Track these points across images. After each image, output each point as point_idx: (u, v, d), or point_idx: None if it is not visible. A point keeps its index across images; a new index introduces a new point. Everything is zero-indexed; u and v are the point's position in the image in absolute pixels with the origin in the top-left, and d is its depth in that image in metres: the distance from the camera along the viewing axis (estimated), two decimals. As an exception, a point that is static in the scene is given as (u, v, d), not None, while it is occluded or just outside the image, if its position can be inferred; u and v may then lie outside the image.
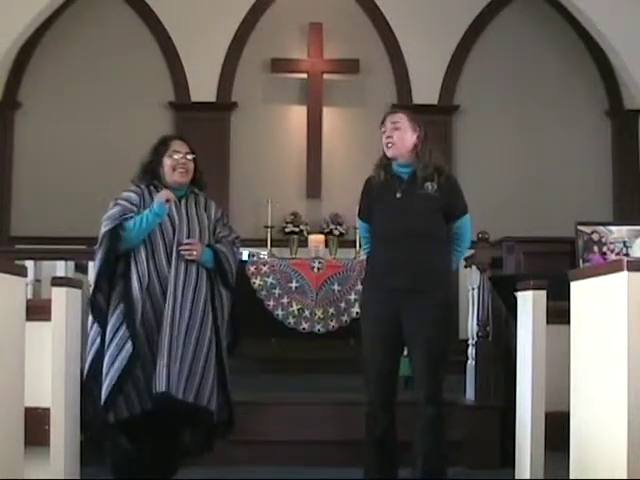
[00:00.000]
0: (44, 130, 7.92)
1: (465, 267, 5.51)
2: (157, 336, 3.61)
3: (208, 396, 3.64)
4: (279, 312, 5.19)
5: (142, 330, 3.63)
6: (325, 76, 7.97)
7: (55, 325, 3.77)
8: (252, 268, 5.23)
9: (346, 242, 7.38)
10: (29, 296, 4.47)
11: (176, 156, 3.84)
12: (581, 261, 4.92)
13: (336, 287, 5.17)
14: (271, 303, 5.20)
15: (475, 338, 4.99)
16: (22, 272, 3.19)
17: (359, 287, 4.33)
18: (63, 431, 3.72)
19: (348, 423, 4.59)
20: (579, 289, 3.19)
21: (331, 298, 5.18)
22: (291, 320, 5.19)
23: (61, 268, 4.94)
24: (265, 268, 5.24)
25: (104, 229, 3.72)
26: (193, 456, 3.90)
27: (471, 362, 5.03)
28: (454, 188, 3.80)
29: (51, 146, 7.90)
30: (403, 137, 3.75)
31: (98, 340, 3.70)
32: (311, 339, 5.28)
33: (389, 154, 3.78)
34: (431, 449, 3.65)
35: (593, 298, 3.05)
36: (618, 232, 4.99)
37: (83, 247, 5.24)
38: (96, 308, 3.70)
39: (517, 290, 3.94)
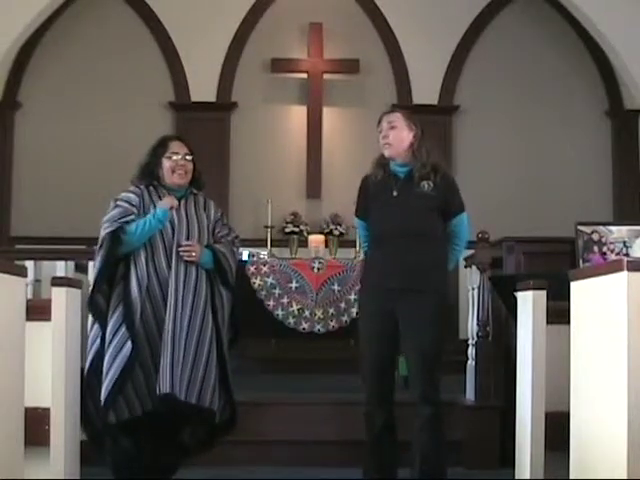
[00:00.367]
0: (44, 130, 7.92)
1: (465, 267, 5.51)
2: (157, 337, 3.62)
3: (210, 397, 3.64)
4: (279, 312, 5.19)
5: (142, 331, 3.63)
6: (325, 76, 7.97)
7: (55, 325, 3.77)
8: (252, 268, 5.23)
9: (346, 242, 7.38)
10: (29, 296, 4.46)
11: (175, 157, 3.84)
12: (581, 261, 4.91)
13: (336, 287, 5.17)
14: (271, 303, 5.20)
15: (475, 338, 4.99)
16: (22, 272, 3.19)
17: (359, 287, 4.33)
18: (63, 431, 3.72)
19: (348, 423, 4.59)
20: (579, 289, 3.18)
21: (331, 298, 5.18)
22: (291, 320, 5.19)
23: (61, 268, 4.94)
24: (265, 268, 5.24)
25: (105, 231, 3.71)
26: (194, 455, 3.90)
27: (471, 362, 5.03)
28: (450, 186, 3.80)
29: (51, 146, 7.90)
30: (399, 136, 3.76)
31: (98, 340, 3.71)
32: (311, 339, 5.27)
33: (386, 154, 3.79)
34: (429, 449, 3.66)
35: (593, 298, 3.05)
36: (618, 232, 4.99)
37: (83, 247, 5.25)
38: (95, 309, 3.71)
39: (517, 290, 3.94)
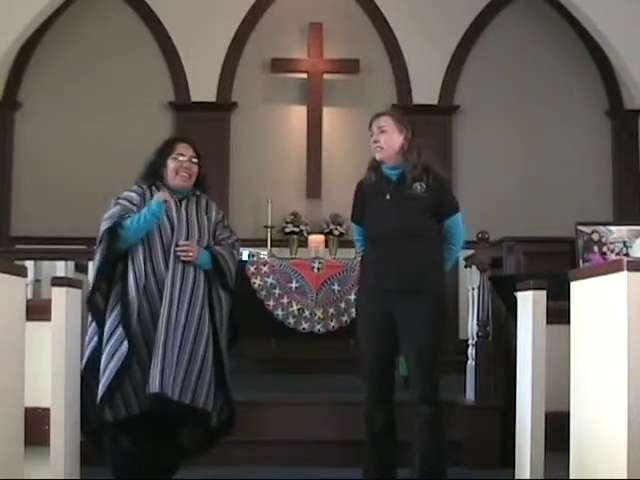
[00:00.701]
0: (44, 130, 7.93)
1: (465, 267, 5.51)
2: (155, 337, 3.62)
3: (204, 398, 3.63)
4: (279, 312, 5.19)
5: (139, 331, 3.64)
6: (325, 76, 7.97)
7: (55, 325, 3.77)
8: (252, 268, 5.23)
9: (346, 242, 7.38)
10: (29, 296, 4.47)
11: (181, 159, 3.85)
12: (581, 261, 4.91)
13: (336, 287, 5.17)
14: (271, 303, 5.20)
15: (475, 338, 4.99)
16: (22, 272, 3.19)
17: (357, 289, 4.33)
18: (63, 431, 3.72)
19: (348, 423, 4.59)
20: (579, 289, 3.18)
21: (331, 298, 5.18)
22: (291, 320, 5.19)
23: (61, 268, 4.94)
24: (265, 268, 5.24)
25: (103, 227, 3.73)
26: (192, 456, 3.90)
27: (471, 362, 5.03)
28: (443, 187, 3.81)
29: (51, 146, 7.90)
30: (390, 139, 3.78)
31: (95, 339, 3.73)
32: (311, 339, 5.27)
33: (378, 157, 3.81)
34: (429, 449, 3.66)
35: (593, 298, 3.05)
36: (618, 232, 4.99)
37: (83, 247, 5.24)
38: (94, 307, 3.72)
39: (517, 290, 3.94)
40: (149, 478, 3.70)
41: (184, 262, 3.72)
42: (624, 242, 4.96)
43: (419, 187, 3.72)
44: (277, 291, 5.20)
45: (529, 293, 3.77)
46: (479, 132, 8.03)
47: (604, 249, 4.94)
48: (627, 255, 4.85)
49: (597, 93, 8.13)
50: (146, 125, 7.72)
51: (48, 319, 3.75)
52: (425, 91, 8.01)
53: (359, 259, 4.08)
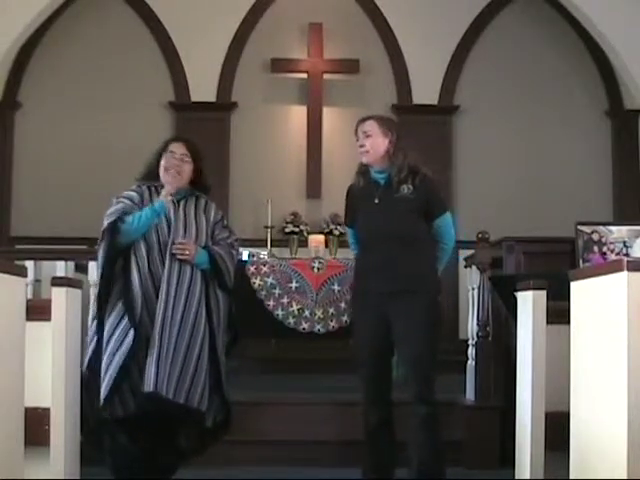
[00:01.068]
0: (44, 130, 7.93)
1: (465, 267, 5.51)
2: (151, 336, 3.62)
3: (199, 397, 3.62)
4: (279, 312, 5.18)
5: (141, 326, 3.63)
6: (325, 76, 7.97)
7: (55, 325, 3.77)
8: (252, 268, 5.23)
9: (346, 242, 7.30)
10: (29, 296, 4.46)
11: (169, 156, 3.86)
12: (581, 261, 4.91)
13: (336, 287, 5.16)
14: (271, 303, 5.19)
15: (475, 338, 5.00)
16: (22, 272, 3.19)
17: (351, 291, 4.34)
18: (63, 431, 3.72)
19: (348, 423, 4.59)
20: (579, 289, 3.18)
21: (331, 298, 5.18)
22: (291, 320, 5.18)
23: (61, 268, 4.93)
24: (265, 268, 5.23)
25: (105, 223, 3.74)
26: (189, 458, 3.89)
27: (471, 362, 5.03)
28: (431, 188, 3.83)
29: (51, 146, 7.90)
30: (375, 143, 3.81)
31: (96, 338, 3.72)
32: (311, 339, 5.27)
33: (364, 161, 3.85)
34: (426, 449, 3.67)
35: (593, 298, 3.05)
36: (618, 232, 4.99)
37: (83, 247, 5.26)
38: (100, 301, 3.71)
39: (517, 290, 3.94)
40: (149, 478, 3.70)
41: (181, 261, 3.71)
42: (624, 242, 4.95)
43: (406, 189, 3.76)
44: (277, 291, 5.20)
45: (529, 293, 3.77)
46: (479, 132, 8.03)
47: (604, 249, 4.94)
48: (627, 255, 4.85)
49: (597, 93, 8.13)
50: (146, 125, 7.72)
51: (48, 319, 3.75)
52: (425, 91, 8.01)
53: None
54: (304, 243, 7.24)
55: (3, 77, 7.80)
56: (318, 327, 5.17)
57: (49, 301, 3.80)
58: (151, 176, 3.91)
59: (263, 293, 5.20)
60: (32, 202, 7.83)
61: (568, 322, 3.26)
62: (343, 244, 7.38)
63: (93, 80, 7.92)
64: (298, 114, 8.00)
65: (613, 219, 7.49)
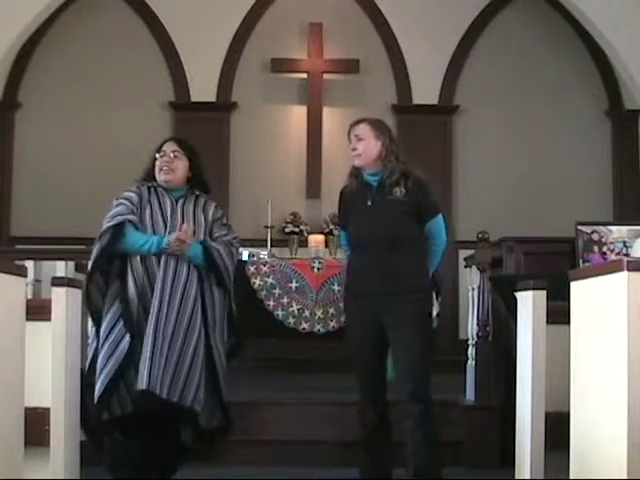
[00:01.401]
0: (44, 130, 7.93)
1: (465, 267, 5.51)
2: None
3: (192, 397, 3.60)
4: (279, 312, 5.18)
5: (136, 328, 3.63)
6: (325, 76, 7.97)
7: (55, 325, 3.77)
8: (252, 268, 5.23)
9: (346, 242, 7.37)
10: (29, 296, 4.46)
11: (161, 154, 3.88)
12: (581, 261, 4.91)
13: (336, 287, 5.16)
14: (271, 303, 5.19)
15: (475, 338, 4.99)
16: (22, 272, 3.19)
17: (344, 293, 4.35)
18: (63, 431, 3.72)
19: (347, 423, 4.57)
20: (579, 289, 3.19)
21: (331, 298, 5.18)
22: (291, 320, 5.18)
23: (61, 268, 4.94)
24: (265, 268, 5.23)
25: (108, 224, 3.74)
26: (186, 459, 3.89)
27: (471, 362, 5.03)
28: (423, 190, 3.85)
29: (51, 146, 7.90)
30: (367, 147, 3.83)
31: (97, 339, 3.72)
32: (311, 339, 5.27)
33: (356, 164, 3.88)
34: (421, 445, 3.68)
35: (593, 298, 3.05)
36: (618, 232, 4.99)
37: (83, 247, 5.24)
38: (90, 302, 3.71)
39: (517, 290, 3.94)
40: (149, 478, 3.70)
41: (177, 259, 3.70)
42: (624, 242, 4.95)
43: (399, 192, 3.79)
44: (277, 291, 5.20)
45: (529, 293, 3.77)
46: (479, 132, 8.03)
47: (604, 249, 4.94)
48: (627, 255, 4.85)
49: (597, 93, 8.12)
50: (146, 125, 7.72)
51: (48, 319, 3.76)
52: (425, 91, 8.01)
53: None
54: (304, 243, 7.24)
55: (3, 77, 7.79)
56: (318, 327, 5.18)
57: (49, 301, 3.80)
58: (149, 179, 3.93)
59: (263, 293, 5.20)
60: (32, 202, 7.83)
61: (568, 322, 3.26)
62: (343, 244, 7.40)
63: (93, 80, 7.91)
64: (298, 114, 8.00)
65: (613, 219, 7.49)
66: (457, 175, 7.94)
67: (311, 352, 6.10)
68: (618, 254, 4.89)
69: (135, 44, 8.02)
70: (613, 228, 5.02)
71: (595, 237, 4.96)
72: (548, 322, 3.72)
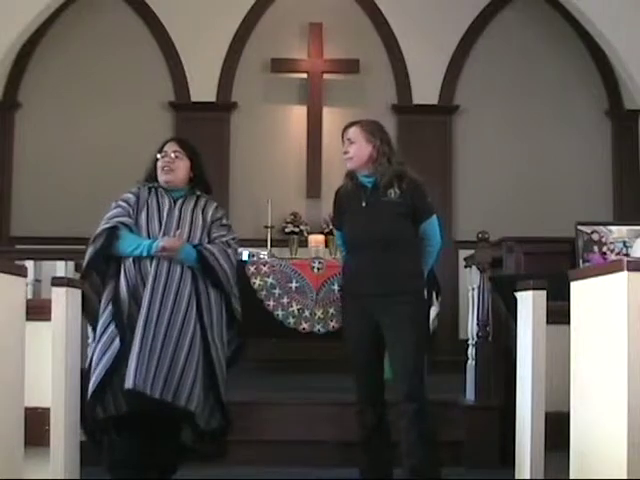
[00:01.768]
0: (44, 130, 7.92)
1: (465, 267, 5.51)
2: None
3: (187, 396, 3.58)
4: (279, 312, 5.18)
5: (128, 330, 3.62)
6: (325, 76, 7.97)
7: (55, 325, 3.77)
8: (252, 268, 5.23)
9: (346, 242, 7.36)
10: (29, 296, 4.47)
11: (162, 155, 3.89)
12: (581, 261, 4.91)
13: (336, 287, 5.15)
14: (271, 303, 5.19)
15: (475, 338, 4.99)
16: (22, 272, 3.19)
17: (340, 294, 4.36)
18: (63, 431, 3.73)
19: (347, 423, 4.56)
20: (579, 289, 3.19)
21: (331, 298, 5.18)
22: (291, 320, 5.18)
23: (61, 268, 4.94)
24: (265, 268, 5.23)
25: (103, 226, 3.75)
26: (185, 459, 3.89)
27: (471, 362, 5.03)
28: (417, 192, 3.85)
29: (51, 146, 7.90)
30: (358, 150, 3.86)
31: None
32: (311, 339, 5.27)
33: (348, 167, 3.92)
34: (415, 444, 3.68)
35: (593, 298, 3.05)
36: (618, 232, 4.99)
37: (83, 247, 5.23)
38: (85, 301, 3.73)
39: (517, 290, 3.94)
40: (148, 478, 3.70)
41: (170, 260, 3.70)
42: (624, 242, 4.95)
43: (393, 193, 3.80)
44: (277, 291, 5.20)
45: (529, 293, 3.77)
46: (479, 132, 8.03)
47: (604, 249, 4.94)
48: (627, 255, 4.85)
49: (597, 93, 8.12)
50: (146, 125, 7.72)
51: (48, 319, 3.76)
52: (425, 91, 8.01)
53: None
54: (304, 243, 7.24)
55: (3, 77, 7.79)
56: (318, 327, 5.17)
57: (49, 301, 3.80)
58: (150, 180, 3.94)
59: (263, 293, 5.20)
60: (32, 202, 7.82)
61: (568, 322, 3.27)
62: (343, 244, 7.40)
63: (93, 80, 7.91)
64: (298, 114, 8.00)
65: (613, 219, 7.49)
66: (457, 175, 7.94)
67: (311, 352, 6.10)
68: (618, 254, 4.89)
69: (135, 44, 8.02)
70: (613, 228, 5.02)
71: (595, 237, 4.96)
72: (548, 322, 3.72)
